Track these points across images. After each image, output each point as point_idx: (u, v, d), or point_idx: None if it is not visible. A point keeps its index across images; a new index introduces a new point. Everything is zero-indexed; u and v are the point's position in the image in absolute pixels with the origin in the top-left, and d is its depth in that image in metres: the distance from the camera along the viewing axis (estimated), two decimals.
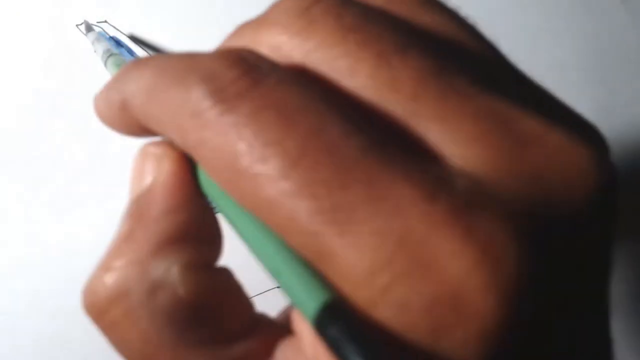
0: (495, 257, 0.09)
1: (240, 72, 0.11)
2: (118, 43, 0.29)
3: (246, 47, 0.12)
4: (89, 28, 0.28)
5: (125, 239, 0.13)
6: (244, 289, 0.14)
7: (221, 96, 0.10)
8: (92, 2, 0.29)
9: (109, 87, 0.13)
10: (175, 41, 0.30)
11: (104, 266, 0.12)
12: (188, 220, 0.13)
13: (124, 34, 0.29)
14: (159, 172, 0.13)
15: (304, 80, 0.11)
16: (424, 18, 0.12)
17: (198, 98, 0.11)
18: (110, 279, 0.12)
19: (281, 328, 0.13)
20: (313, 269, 0.10)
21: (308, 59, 0.11)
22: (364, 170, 0.10)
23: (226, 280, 0.14)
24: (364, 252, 0.09)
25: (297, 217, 0.10)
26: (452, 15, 0.13)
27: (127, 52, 0.29)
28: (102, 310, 0.12)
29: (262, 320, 0.14)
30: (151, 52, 0.29)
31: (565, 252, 0.10)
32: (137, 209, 0.13)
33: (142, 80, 0.12)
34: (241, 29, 0.13)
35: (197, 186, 0.13)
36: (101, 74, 0.29)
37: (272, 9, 0.12)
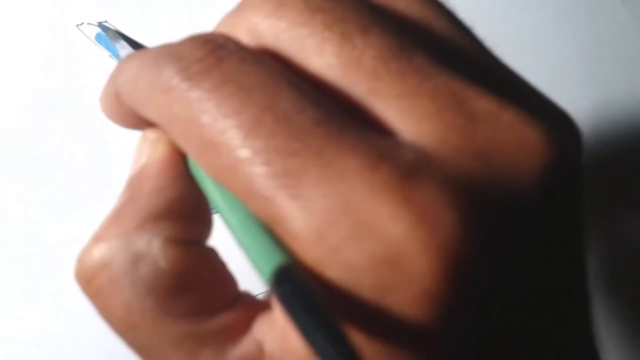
0: (432, 222, 0.10)
1: (205, 52, 0.11)
2: (120, 44, 0.29)
3: (222, 31, 0.13)
4: (106, 29, 0.28)
5: (114, 215, 0.14)
6: (228, 267, 0.15)
7: (187, 73, 0.11)
8: (92, 2, 0.29)
9: (107, 82, 0.14)
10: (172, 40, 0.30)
11: (94, 238, 0.13)
12: (174, 198, 0.13)
13: (125, 34, 0.29)
14: (152, 153, 0.14)
15: (266, 59, 0.12)
16: (398, 1, 0.13)
17: (167, 76, 0.12)
18: (97, 249, 0.13)
19: (262, 304, 0.14)
20: (269, 233, 0.11)
21: (279, 39, 0.12)
22: (315, 139, 0.10)
23: (211, 257, 0.14)
24: (312, 215, 0.10)
25: (253, 182, 0.11)
26: (428, 0, 0.13)
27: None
28: (88, 277, 0.13)
29: (244, 297, 0.14)
30: None
31: (510, 223, 0.11)
32: (129, 188, 0.14)
33: (129, 70, 0.13)
34: (224, 16, 0.14)
35: (186, 168, 0.14)
36: (100, 74, 0.29)
37: None
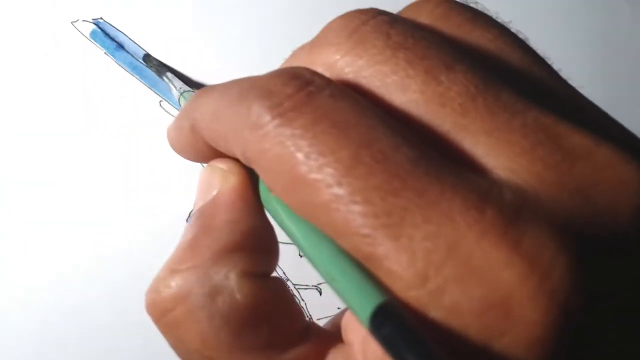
0: (543, 268, 0.10)
1: (295, 88, 0.12)
2: (117, 43, 0.29)
3: (301, 65, 0.13)
4: (159, 64, 0.29)
5: (189, 246, 0.14)
6: (295, 298, 0.15)
7: (278, 110, 0.11)
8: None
9: (180, 117, 0.15)
10: (173, 40, 0.29)
11: (169, 269, 0.14)
12: (248, 231, 0.14)
13: (121, 32, 0.29)
14: (223, 185, 0.14)
15: (355, 94, 0.12)
16: (473, 34, 0.13)
17: (257, 113, 0.12)
18: (174, 281, 0.13)
19: (331, 336, 0.14)
20: (366, 272, 0.11)
21: (360, 76, 0.12)
22: (415, 179, 0.10)
23: (280, 288, 0.14)
24: (415, 256, 0.10)
25: (351, 221, 0.10)
26: (501, 31, 0.14)
27: (126, 51, 0.29)
28: (164, 309, 0.13)
29: (312, 328, 0.15)
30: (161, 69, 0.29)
31: (611, 264, 0.11)
32: (202, 219, 0.14)
33: (208, 104, 0.13)
34: (296, 51, 0.14)
35: (258, 200, 0.14)
36: (94, 72, 0.29)
37: (324, 31, 0.13)
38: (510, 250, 0.10)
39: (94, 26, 0.28)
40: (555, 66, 0.37)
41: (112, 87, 0.29)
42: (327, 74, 0.12)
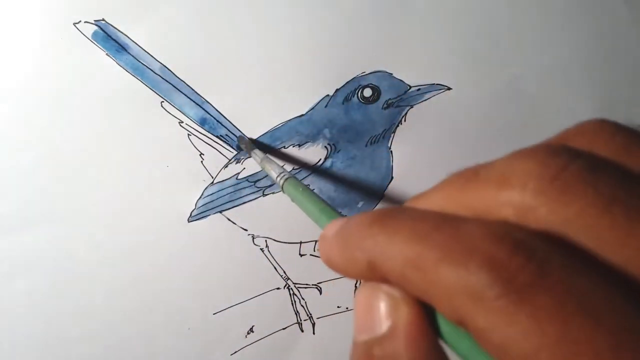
0: None
1: (523, 260, 0.11)
2: (119, 44, 0.29)
3: (507, 220, 0.12)
4: (251, 147, 0.30)
5: None
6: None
7: (510, 287, 0.10)
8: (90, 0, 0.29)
9: (346, 244, 0.14)
10: (171, 39, 0.30)
11: None
12: None
13: (123, 33, 0.29)
14: (397, 317, 0.13)
15: (588, 269, 0.11)
16: None
17: (482, 284, 0.11)
18: None
19: None
20: None
21: (567, 227, 0.11)
22: None
23: None
24: None
25: None
26: None
27: (127, 52, 0.29)
28: None
29: None
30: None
31: None
32: (379, 356, 0.13)
33: (398, 249, 0.12)
34: (469, 181, 0.13)
35: (435, 335, 0.13)
36: (100, 74, 0.29)
37: (511, 169, 0.12)
38: None
39: (95, 27, 0.28)
40: (554, 69, 0.37)
41: (113, 88, 0.29)
42: (514, 215, 0.12)
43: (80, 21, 0.28)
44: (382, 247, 0.13)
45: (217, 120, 0.31)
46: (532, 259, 0.11)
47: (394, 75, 0.32)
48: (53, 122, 0.29)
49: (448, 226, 0.12)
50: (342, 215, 0.19)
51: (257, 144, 0.31)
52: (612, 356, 0.10)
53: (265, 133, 0.31)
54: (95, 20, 0.28)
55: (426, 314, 0.13)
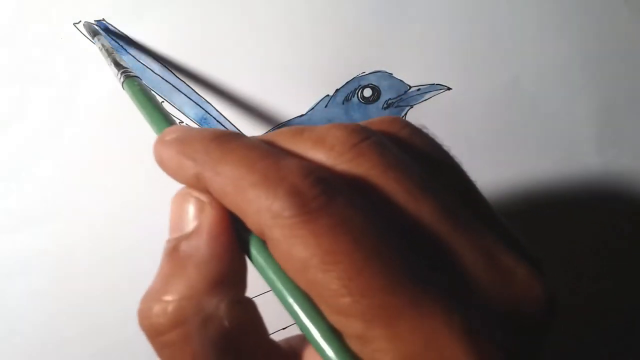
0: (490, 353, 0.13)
1: (318, 191, 0.14)
2: (119, 44, 0.29)
3: (313, 162, 0.15)
4: (95, 33, 0.28)
5: (176, 275, 0.15)
6: (262, 318, 0.17)
7: (303, 209, 0.13)
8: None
9: (182, 151, 0.16)
10: (171, 39, 0.30)
11: (158, 295, 0.15)
12: (231, 263, 0.15)
13: (121, 33, 0.29)
14: (204, 218, 0.16)
15: (368, 201, 0.14)
16: (434, 156, 0.17)
17: (282, 206, 0.13)
18: (170, 307, 0.15)
19: (290, 357, 0.17)
20: (342, 342, 0.14)
21: (367, 173, 0.15)
22: (410, 289, 0.13)
23: (253, 309, 0.17)
24: (401, 343, 0.13)
25: (352, 308, 0.13)
26: (453, 162, 0.17)
27: (128, 52, 0.29)
28: (161, 331, 0.15)
29: (275, 348, 0.17)
30: (147, 57, 0.29)
31: (525, 345, 0.14)
32: (184, 250, 0.15)
33: (228, 168, 0.15)
34: (295, 135, 0.16)
35: (235, 236, 0.15)
36: (100, 74, 0.29)
37: (327, 133, 0.16)
38: (467, 354, 0.13)
39: (96, 27, 0.28)
40: (554, 68, 0.37)
41: (113, 88, 0.29)
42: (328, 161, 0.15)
43: (80, 21, 0.28)
44: (213, 164, 0.15)
45: (217, 120, 0.31)
46: (325, 191, 0.14)
47: (394, 75, 0.32)
48: (52, 122, 0.29)
49: (271, 157, 0.15)
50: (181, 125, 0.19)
51: (110, 32, 0.29)
52: (363, 265, 0.13)
53: (265, 133, 0.31)
54: (95, 20, 0.28)
55: (231, 222, 0.15)
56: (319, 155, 0.15)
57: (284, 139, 0.16)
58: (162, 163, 0.17)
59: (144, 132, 0.30)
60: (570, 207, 0.36)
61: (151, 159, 0.30)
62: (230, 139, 0.15)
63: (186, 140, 0.16)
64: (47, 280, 0.30)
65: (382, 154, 0.15)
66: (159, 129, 0.20)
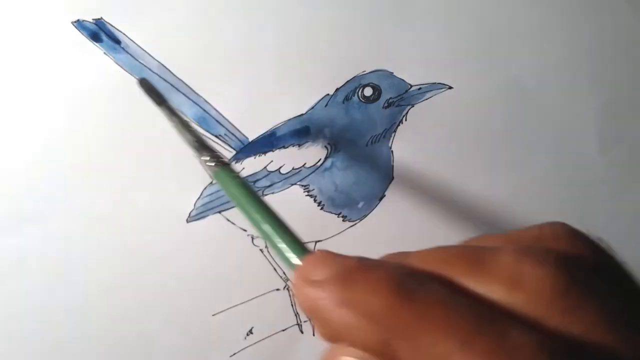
0: None
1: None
2: (117, 43, 0.29)
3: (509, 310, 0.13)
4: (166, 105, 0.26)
5: None
6: None
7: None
8: None
9: (349, 302, 0.12)
10: (170, 38, 0.29)
11: None
12: None
13: (120, 31, 0.29)
14: None
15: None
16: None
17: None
18: None
19: None
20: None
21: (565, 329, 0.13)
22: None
23: None
24: None
25: None
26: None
27: (125, 51, 0.29)
28: None
29: None
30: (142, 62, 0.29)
31: None
32: None
33: (431, 342, 0.12)
34: (474, 268, 0.13)
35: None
36: (98, 73, 0.29)
37: (522, 271, 0.13)
38: None
39: (94, 26, 0.28)
40: (556, 67, 0.37)
41: (111, 87, 0.29)
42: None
43: (78, 20, 0.28)
44: (406, 329, 0.12)
45: (216, 120, 0.31)
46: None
47: (394, 74, 0.32)
48: (50, 121, 0.29)
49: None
50: (306, 246, 0.16)
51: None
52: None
53: (265, 132, 0.31)
54: (93, 19, 0.28)
55: None
56: (513, 299, 0.12)
57: (459, 272, 0.13)
58: (316, 314, 0.13)
59: (142, 130, 0.30)
60: (570, 207, 0.36)
61: (149, 157, 0.30)
62: (412, 281, 0.12)
63: (348, 284, 0.12)
64: (43, 280, 0.29)
65: (601, 307, 0.12)
66: (287, 255, 0.15)
